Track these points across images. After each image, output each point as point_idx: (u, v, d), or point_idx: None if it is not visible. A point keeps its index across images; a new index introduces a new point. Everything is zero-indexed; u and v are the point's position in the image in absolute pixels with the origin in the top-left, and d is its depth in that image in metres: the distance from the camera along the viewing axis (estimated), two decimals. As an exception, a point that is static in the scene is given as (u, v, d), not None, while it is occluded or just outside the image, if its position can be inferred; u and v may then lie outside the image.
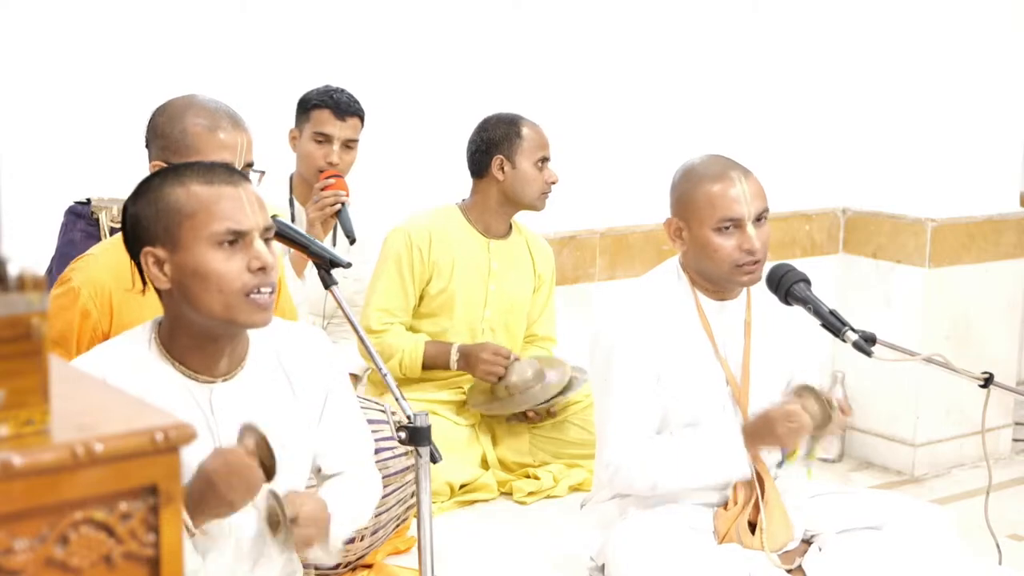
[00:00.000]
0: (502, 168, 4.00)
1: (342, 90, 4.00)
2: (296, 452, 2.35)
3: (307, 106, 4.00)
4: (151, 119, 2.78)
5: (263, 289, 2.17)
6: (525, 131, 4.01)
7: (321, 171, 3.94)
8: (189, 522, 2.13)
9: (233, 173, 2.24)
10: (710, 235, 2.90)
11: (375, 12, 4.26)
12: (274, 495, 2.20)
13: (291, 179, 4.07)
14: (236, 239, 2.17)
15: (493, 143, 4.01)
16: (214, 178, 2.19)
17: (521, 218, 4.16)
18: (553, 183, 4.04)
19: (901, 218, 4.81)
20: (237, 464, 2.12)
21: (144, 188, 2.23)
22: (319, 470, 2.46)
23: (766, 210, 2.94)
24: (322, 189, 3.84)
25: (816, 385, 2.94)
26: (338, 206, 3.81)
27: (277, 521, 2.20)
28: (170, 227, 2.17)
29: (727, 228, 2.89)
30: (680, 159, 3.15)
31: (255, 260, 2.16)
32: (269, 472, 2.14)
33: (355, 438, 2.48)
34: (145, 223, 2.20)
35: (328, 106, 3.97)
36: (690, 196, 2.93)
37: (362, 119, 4.02)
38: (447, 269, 4.00)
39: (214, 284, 2.15)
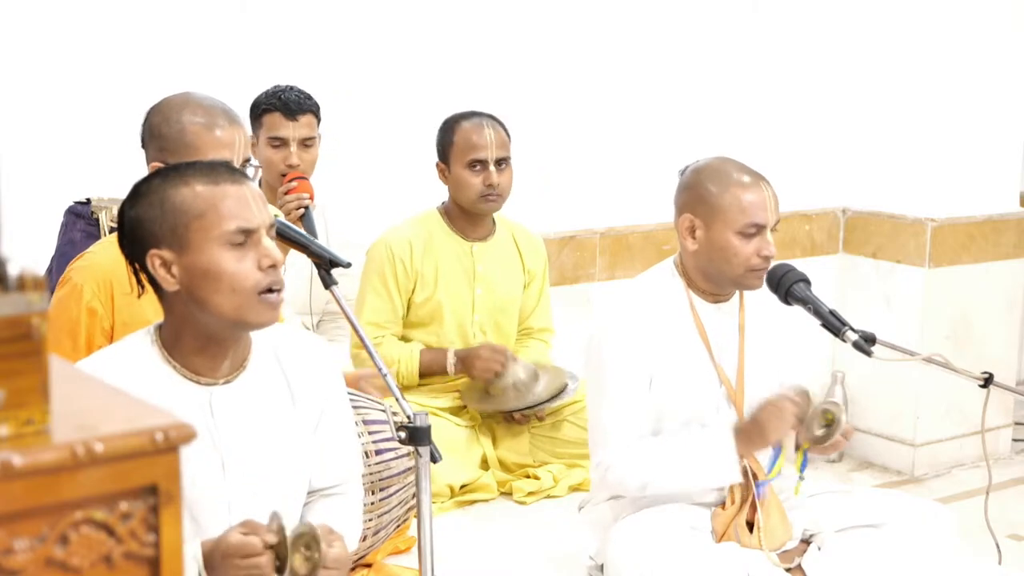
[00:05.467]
0: (444, 173, 3.95)
1: (291, 88, 3.92)
2: (293, 458, 2.34)
3: (258, 111, 3.93)
4: (146, 119, 2.77)
5: (275, 287, 2.17)
6: (457, 133, 3.89)
7: (283, 175, 3.84)
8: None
9: (235, 172, 2.23)
10: (731, 237, 2.91)
11: (367, 13, 4.25)
12: (310, 531, 2.13)
13: (258, 184, 4.03)
14: (245, 238, 2.16)
15: (438, 147, 3.95)
16: (219, 178, 2.18)
17: (513, 214, 4.12)
18: (490, 185, 3.87)
19: (901, 218, 4.81)
20: (247, 563, 2.10)
21: (144, 190, 2.20)
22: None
23: (779, 220, 2.97)
24: (285, 193, 3.74)
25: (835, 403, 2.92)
26: (302, 210, 3.69)
27: (305, 557, 2.13)
28: (177, 228, 2.15)
29: (751, 233, 2.90)
30: (680, 159, 3.15)
31: (265, 258, 2.16)
32: (282, 564, 2.11)
33: (346, 454, 2.46)
34: (149, 225, 2.17)
35: (278, 108, 3.89)
36: (717, 196, 2.92)
37: (316, 114, 3.94)
38: (431, 278, 3.95)
39: (227, 284, 2.14)
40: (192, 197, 2.15)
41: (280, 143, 3.90)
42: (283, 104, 3.89)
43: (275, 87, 3.93)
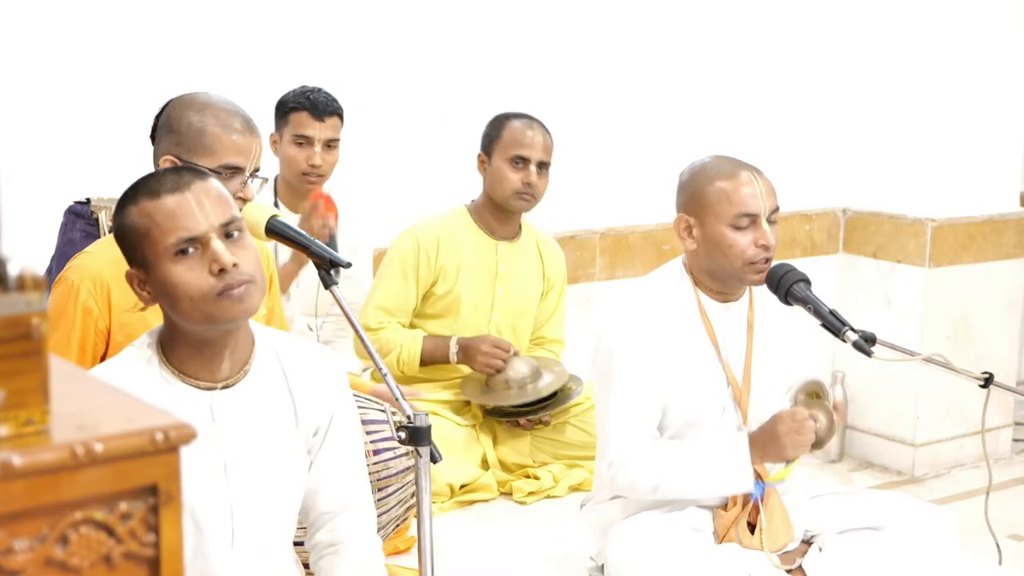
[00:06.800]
0: (483, 164, 3.99)
1: (319, 90, 3.95)
2: (291, 465, 2.33)
3: (284, 109, 3.96)
4: (165, 111, 2.75)
5: (231, 288, 2.14)
6: (507, 128, 3.95)
7: (304, 174, 3.91)
8: None
9: (180, 177, 2.20)
10: (725, 231, 2.90)
11: (377, 11, 4.25)
12: None
13: (275, 182, 4.05)
14: (192, 246, 2.15)
15: (484, 139, 4.01)
16: (160, 189, 2.17)
17: (533, 219, 4.15)
18: (527, 184, 3.92)
19: (901, 218, 4.81)
20: None
21: (118, 206, 2.24)
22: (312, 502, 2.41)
23: (777, 209, 2.95)
24: (311, 209, 3.76)
25: (818, 382, 2.93)
26: (326, 235, 3.70)
27: None
28: (136, 248, 2.18)
29: (743, 224, 2.89)
30: (680, 159, 3.15)
31: (214, 263, 2.14)
32: None
33: (353, 475, 2.42)
34: (121, 244, 2.23)
35: (305, 107, 3.92)
36: (705, 192, 2.92)
37: (341, 117, 3.97)
38: (453, 272, 3.99)
39: (183, 295, 2.14)
40: (137, 216, 2.17)
41: (305, 142, 3.93)
42: (312, 104, 3.92)
43: (302, 87, 3.97)
